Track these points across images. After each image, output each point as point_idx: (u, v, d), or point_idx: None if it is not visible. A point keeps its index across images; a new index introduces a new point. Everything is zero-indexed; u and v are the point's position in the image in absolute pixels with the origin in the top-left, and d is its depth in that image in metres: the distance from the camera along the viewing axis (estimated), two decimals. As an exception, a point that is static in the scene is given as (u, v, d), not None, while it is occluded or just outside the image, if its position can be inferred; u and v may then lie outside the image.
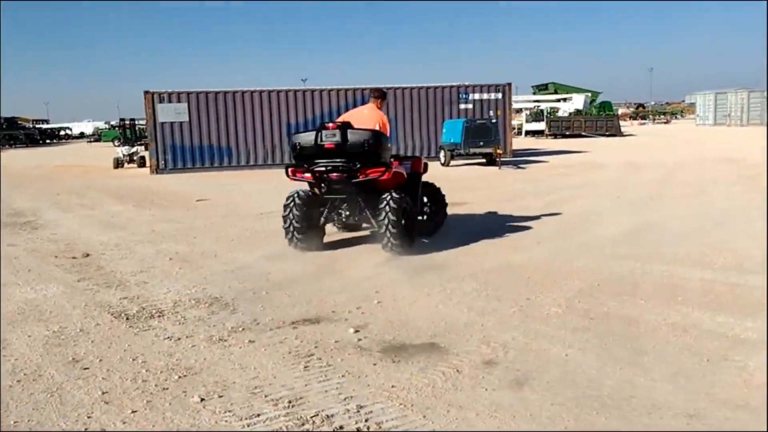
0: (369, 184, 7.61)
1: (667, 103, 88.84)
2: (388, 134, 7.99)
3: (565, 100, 45.37)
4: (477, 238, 8.65)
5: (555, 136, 38.56)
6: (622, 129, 41.72)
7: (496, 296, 5.93)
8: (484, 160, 21.46)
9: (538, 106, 44.73)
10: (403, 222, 7.48)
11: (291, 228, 7.85)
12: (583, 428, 3.41)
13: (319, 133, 7.60)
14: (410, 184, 8.29)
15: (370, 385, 4.02)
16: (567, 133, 38.51)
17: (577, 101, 44.34)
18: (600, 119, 40.57)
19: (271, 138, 22.85)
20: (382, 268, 7.10)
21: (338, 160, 7.53)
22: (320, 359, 4.49)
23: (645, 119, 63.54)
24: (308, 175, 7.71)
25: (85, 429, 3.57)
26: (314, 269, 7.16)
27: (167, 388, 4.07)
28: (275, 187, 15.99)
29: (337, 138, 7.49)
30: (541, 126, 40.99)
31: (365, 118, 8.05)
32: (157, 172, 21.59)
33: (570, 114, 42.12)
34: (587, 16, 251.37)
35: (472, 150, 20.87)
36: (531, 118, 43.02)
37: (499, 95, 24.60)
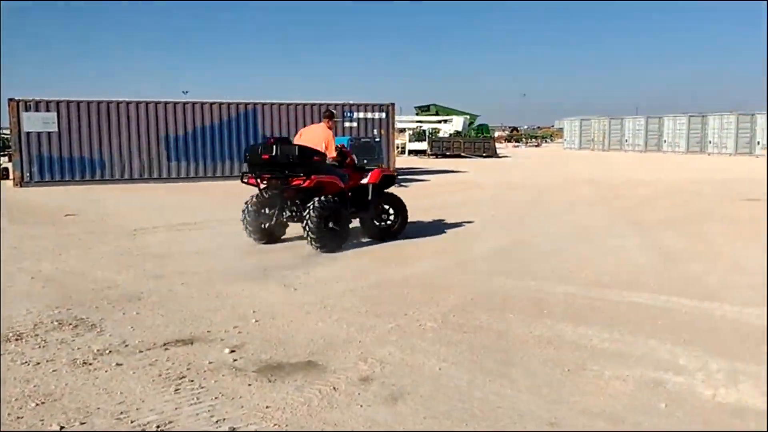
0: (300, 190, 8.87)
1: (538, 127, 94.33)
2: (330, 150, 9.41)
3: (446, 121, 46.95)
4: (358, 255, 8.75)
5: (436, 155, 39.77)
6: (498, 151, 43.77)
7: (375, 312, 6.01)
8: (368, 178, 21.72)
9: (421, 127, 45.97)
10: (323, 224, 8.67)
11: (246, 226, 9.35)
12: (454, 440, 3.52)
13: (261, 147, 9.13)
14: (360, 192, 9.58)
15: (244, 407, 3.94)
16: (447, 153, 39.85)
17: (457, 123, 46.03)
18: (478, 141, 42.30)
19: (147, 151, 21.86)
20: (262, 285, 7.00)
21: (273, 169, 8.92)
22: (192, 381, 4.34)
23: (519, 142, 67.07)
24: (253, 180, 9.20)
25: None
26: (192, 287, 6.94)
27: (22, 417, 3.78)
28: (151, 203, 15.39)
29: (271, 151, 8.80)
30: (423, 146, 42.13)
31: (315, 135, 9.66)
32: (21, 185, 20.03)
33: (450, 135, 43.62)
34: (467, 43, 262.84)
35: (356, 168, 21.09)
36: (414, 137, 44.11)
37: (383, 115, 25.09)
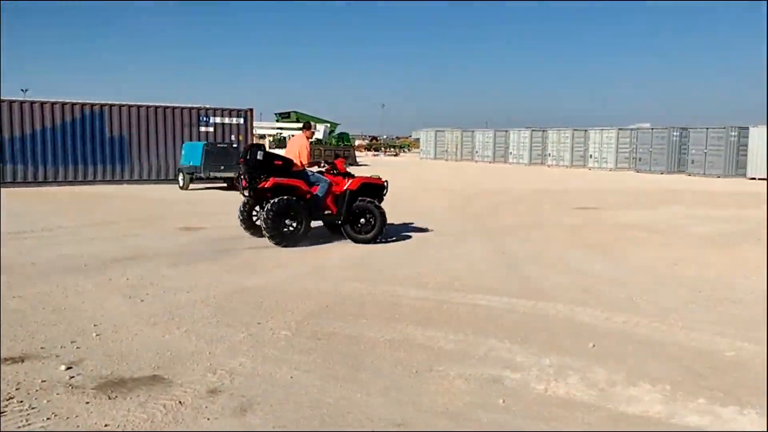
0: (266, 190, 10.02)
1: (397, 137, 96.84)
2: (303, 158, 10.38)
3: (306, 128, 46.95)
4: (212, 264, 8.51)
5: (297, 163, 39.65)
6: (358, 159, 44.46)
7: (227, 322, 5.87)
8: (225, 185, 21.22)
9: (281, 133, 45.64)
10: (277, 222, 9.81)
11: (241, 222, 10.69)
12: (303, 447, 3.52)
13: (242, 152, 10.69)
14: (340, 197, 10.41)
15: (80, 426, 3.70)
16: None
17: (318, 131, 46.19)
18: (338, 149, 42.71)
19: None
20: (105, 297, 6.60)
21: (250, 172, 10.10)
22: (21, 402, 4.00)
23: (378, 151, 68.52)
24: (245, 182, 10.33)
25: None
26: (26, 301, 6.38)
27: None
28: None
29: (246, 155, 10.16)
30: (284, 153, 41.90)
31: (294, 144, 10.83)
32: None
33: (311, 143, 43.66)
34: (328, 52, 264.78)
35: (212, 174, 20.53)
36: (274, 144, 43.71)
37: (241, 120, 24.64)
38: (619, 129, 37.62)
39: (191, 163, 20.87)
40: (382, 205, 10.70)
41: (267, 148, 10.79)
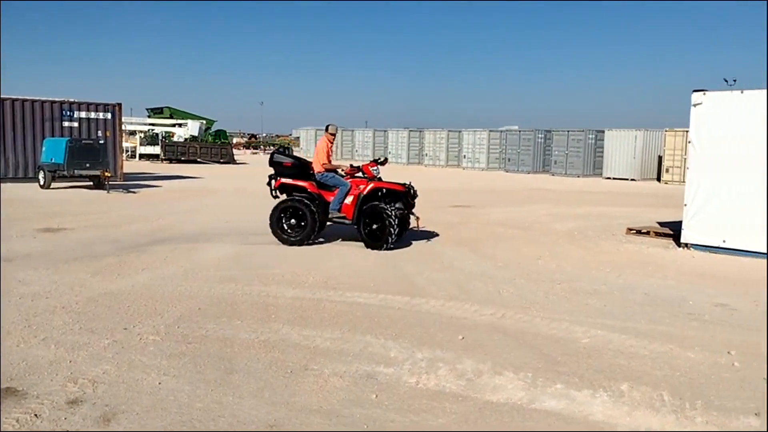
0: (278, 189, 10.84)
1: (276, 135, 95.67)
2: (320, 160, 10.42)
3: (180, 125, 45.20)
4: (73, 267, 8.01)
5: (171, 160, 38.11)
6: (236, 157, 43.46)
7: (90, 328, 5.56)
8: (91, 183, 20.02)
9: (153, 130, 43.67)
10: (281, 221, 10.27)
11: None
12: (170, 454, 3.40)
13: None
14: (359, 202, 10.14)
15: None
16: (183, 158, 38.46)
17: (193, 127, 44.58)
18: (215, 147, 41.50)
19: None
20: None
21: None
22: None
23: (257, 149, 67.38)
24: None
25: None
26: None
27: None
28: None
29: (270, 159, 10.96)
30: (156, 150, 40.09)
31: (317, 146, 10.85)
32: None
33: (186, 140, 42.12)
34: (203, 46, 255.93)
35: (77, 172, 19.29)
36: (146, 141, 41.75)
37: (109, 115, 23.31)
38: (490, 130, 39.34)
39: (53, 161, 19.49)
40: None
41: (290, 151, 11.28)
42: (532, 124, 59.41)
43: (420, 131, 44.03)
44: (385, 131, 46.37)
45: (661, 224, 12.91)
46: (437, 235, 11.68)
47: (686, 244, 10.66)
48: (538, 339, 5.62)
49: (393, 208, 10.00)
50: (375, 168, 10.47)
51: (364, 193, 10.15)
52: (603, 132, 33.23)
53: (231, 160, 40.23)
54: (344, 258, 9.22)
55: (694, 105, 10.51)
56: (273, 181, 10.72)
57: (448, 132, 41.72)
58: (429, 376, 4.66)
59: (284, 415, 3.95)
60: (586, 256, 9.94)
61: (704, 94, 10.47)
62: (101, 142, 20.87)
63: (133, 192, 19.26)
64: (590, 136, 33.47)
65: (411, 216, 10.54)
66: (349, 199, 10.17)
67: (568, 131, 34.31)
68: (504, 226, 13.03)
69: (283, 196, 10.68)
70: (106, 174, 19.39)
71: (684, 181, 11.32)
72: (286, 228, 10.20)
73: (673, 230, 11.68)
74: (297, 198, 10.25)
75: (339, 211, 10.22)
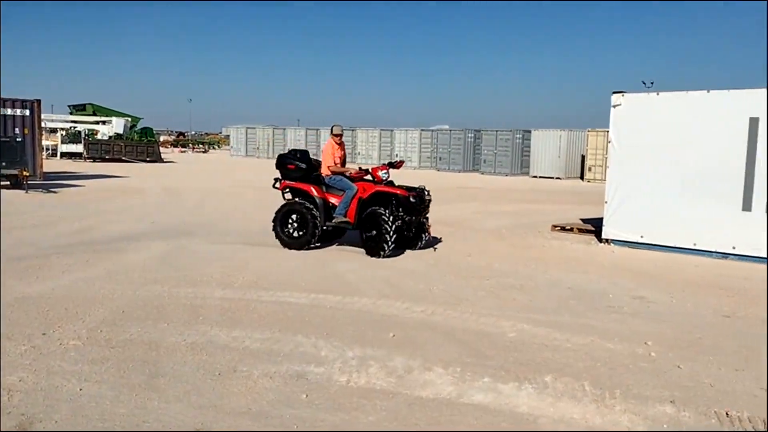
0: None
1: (206, 133, 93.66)
2: (325, 163, 10.09)
3: (104, 122, 43.61)
4: (-13, 271, 7.60)
5: (94, 159, 36.73)
6: (164, 156, 42.29)
7: (6, 334, 5.30)
8: (8, 183, 19.04)
9: (75, 127, 41.93)
10: (283, 224, 10.02)
11: None
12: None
13: None
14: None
15: None
16: (107, 156, 37.15)
17: (117, 125, 43.06)
18: (141, 145, 40.21)
19: None
20: None
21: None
22: None
23: (185, 147, 65.72)
24: None
25: None
26: None
27: None
28: None
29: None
30: (79, 148, 38.52)
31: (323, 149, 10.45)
32: None
33: (110, 137, 40.66)
34: (129, 41, 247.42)
35: (-8, 171, 18.32)
36: (68, 139, 40.03)
37: (27, 112, 22.18)
38: (422, 130, 39.75)
39: (-35, 159, 18.45)
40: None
41: (305, 155, 10.45)
42: (463, 124, 60.39)
43: (353, 130, 44.02)
44: (317, 129, 46.13)
45: (584, 221, 13.40)
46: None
47: (607, 240, 11.09)
48: (467, 334, 5.72)
49: (394, 214, 9.43)
50: (384, 171, 9.92)
51: (365, 197, 9.66)
52: (530, 132, 34.16)
53: (158, 159, 39.14)
54: (276, 257, 9.12)
55: (614, 106, 10.95)
56: (279, 183, 10.45)
57: (381, 131, 41.89)
58: (360, 374, 4.68)
59: (212, 418, 3.88)
60: (513, 252, 10.19)
61: (623, 95, 10.92)
62: (18, 139, 19.88)
63: (54, 192, 18.46)
64: (518, 135, 34.33)
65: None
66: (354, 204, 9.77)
67: (497, 131, 35.08)
68: (436, 224, 13.18)
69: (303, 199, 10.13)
70: (25, 173, 18.53)
71: (605, 180, 11.77)
72: (287, 231, 9.94)
73: (594, 226, 12.13)
74: (299, 201, 9.95)
75: (344, 215, 9.77)
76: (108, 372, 4.57)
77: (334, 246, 10.25)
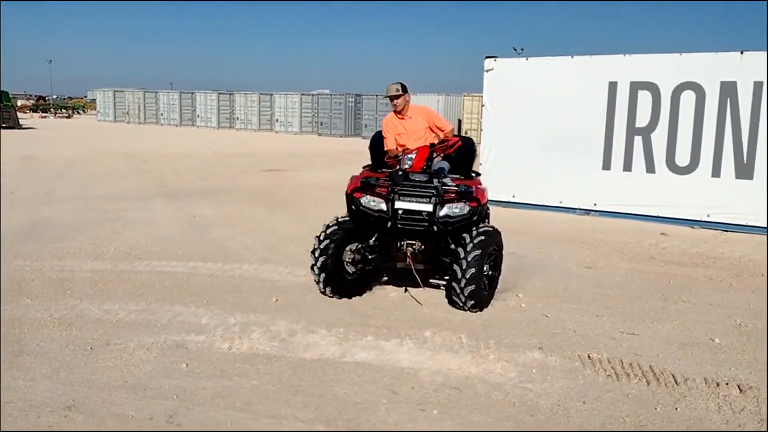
0: None
1: (69, 97, 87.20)
2: (388, 146, 6.42)
3: (-52, 84, 39.45)
4: None
5: (-62, 125, 33.23)
6: (22, 122, 38.99)
7: None
8: None
9: None
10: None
11: None
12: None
13: None
14: None
15: None
16: (-47, 122, 33.71)
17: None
18: (-6, 109, 36.83)
19: None
20: None
21: None
22: None
23: (46, 112, 60.88)
24: None
25: None
26: None
27: None
28: None
29: None
30: None
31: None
32: None
33: None
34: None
35: None
36: None
37: None
38: (302, 94, 39.16)
39: None
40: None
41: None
42: (343, 88, 60.18)
43: (230, 94, 42.64)
44: (192, 93, 44.24)
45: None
46: (249, 199, 11.50)
47: (483, 201, 11.57)
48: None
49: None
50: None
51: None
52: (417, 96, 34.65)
53: (16, 125, 35.95)
54: (153, 226, 8.74)
55: (487, 71, 11.31)
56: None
57: (260, 95, 40.86)
58: (242, 340, 4.62)
59: (84, 393, 3.69)
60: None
61: (495, 60, 11.30)
62: None
63: None
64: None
65: None
66: None
67: (377, 95, 35.27)
68: (316, 188, 13.16)
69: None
70: None
71: (480, 143, 12.21)
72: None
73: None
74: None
75: None
76: (-37, 354, 4.22)
77: (210, 211, 9.96)
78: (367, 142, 7.02)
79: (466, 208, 5.51)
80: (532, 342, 4.76)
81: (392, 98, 6.23)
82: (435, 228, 5.45)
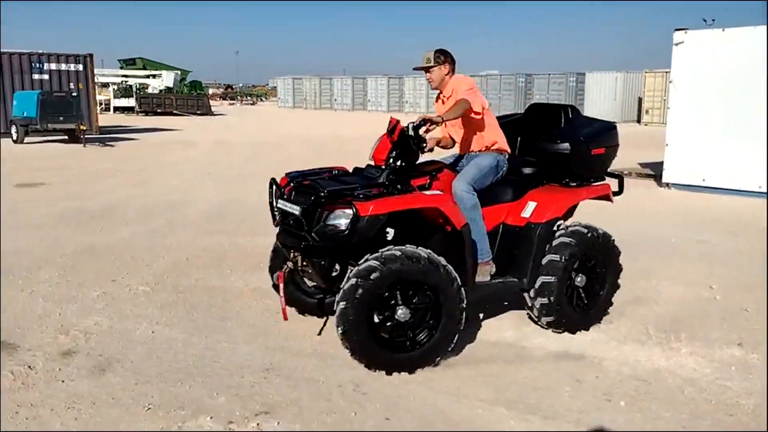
0: None
1: (253, 85, 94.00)
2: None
3: (154, 76, 44.20)
4: (56, 221, 7.91)
5: (146, 113, 37.42)
6: (213, 108, 42.73)
7: (78, 282, 5.52)
8: (66, 137, 19.64)
9: (126, 82, 42.63)
10: None
11: None
12: (168, 399, 3.42)
13: None
14: None
15: None
16: (159, 110, 37.76)
17: (168, 78, 43.61)
18: (191, 98, 40.71)
19: None
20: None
21: None
22: None
23: (234, 100, 66.20)
24: None
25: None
26: None
27: None
28: None
29: None
30: (131, 102, 39.26)
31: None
32: None
33: (161, 91, 41.28)
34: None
35: (50, 125, 18.91)
36: (119, 93, 40.81)
37: (80, 66, 22.66)
38: (470, 75, 38.91)
39: (25, 115, 19.05)
40: None
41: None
42: (514, 68, 58.92)
43: (399, 78, 43.48)
44: (363, 78, 45.71)
45: (642, 165, 13.01)
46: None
47: (668, 184, 10.77)
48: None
49: None
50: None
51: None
52: (584, 75, 33.07)
53: (208, 112, 39.57)
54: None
55: (676, 44, 10.46)
56: None
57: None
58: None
59: (280, 358, 3.96)
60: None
61: (686, 32, 10.41)
62: (74, 94, 20.38)
63: (111, 145, 18.94)
64: (571, 79, 33.30)
65: None
66: None
67: (549, 74, 34.11)
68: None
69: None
70: (82, 127, 19.01)
71: (664, 123, 11.35)
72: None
73: (654, 171, 11.78)
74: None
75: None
76: (177, 316, 4.72)
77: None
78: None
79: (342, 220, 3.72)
80: (730, 337, 4.37)
81: (426, 68, 4.47)
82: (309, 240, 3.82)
